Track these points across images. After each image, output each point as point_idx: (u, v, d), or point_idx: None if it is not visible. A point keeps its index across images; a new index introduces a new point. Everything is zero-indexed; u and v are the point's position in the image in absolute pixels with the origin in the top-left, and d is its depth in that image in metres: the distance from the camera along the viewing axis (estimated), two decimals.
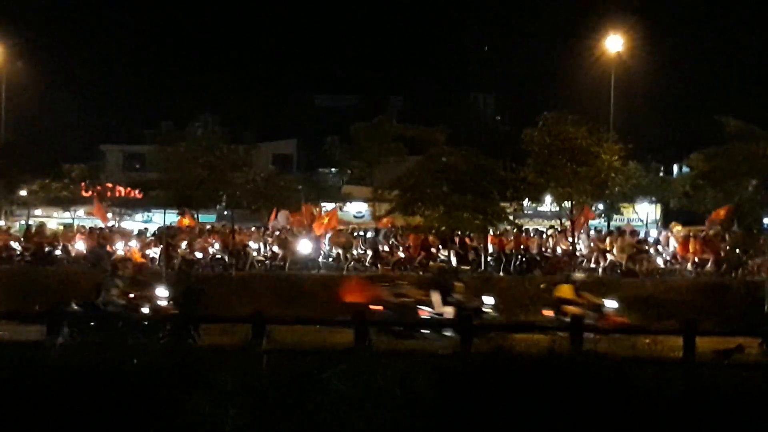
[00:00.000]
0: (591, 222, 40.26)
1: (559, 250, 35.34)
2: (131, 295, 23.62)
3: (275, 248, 35.65)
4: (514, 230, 34.81)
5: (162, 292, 24.17)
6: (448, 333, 21.18)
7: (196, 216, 39.08)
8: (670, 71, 59.26)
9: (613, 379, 10.54)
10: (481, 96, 76.50)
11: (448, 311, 22.92)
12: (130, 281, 24.17)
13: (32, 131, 46.30)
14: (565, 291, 24.32)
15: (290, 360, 12.06)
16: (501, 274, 32.99)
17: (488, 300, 24.26)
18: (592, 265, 33.70)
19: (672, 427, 9.88)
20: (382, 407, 8.40)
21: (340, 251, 35.29)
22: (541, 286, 30.43)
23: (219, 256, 35.16)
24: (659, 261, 34.20)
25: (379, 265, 33.73)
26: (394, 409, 8.42)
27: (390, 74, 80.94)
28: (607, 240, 35.19)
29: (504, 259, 34.23)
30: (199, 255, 35.23)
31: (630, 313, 27.03)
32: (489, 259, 34.07)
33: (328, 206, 45.81)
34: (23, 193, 44.76)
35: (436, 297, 23.22)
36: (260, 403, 8.61)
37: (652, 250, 34.81)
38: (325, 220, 38.04)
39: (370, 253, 35.12)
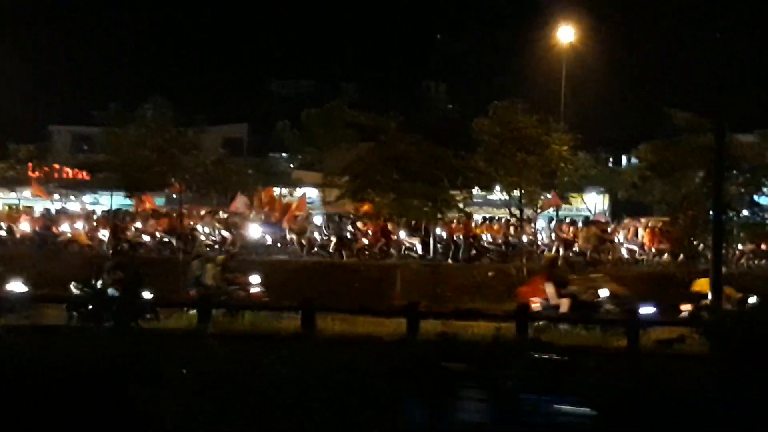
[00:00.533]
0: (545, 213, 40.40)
1: (525, 239, 35.41)
2: (231, 280, 24.06)
3: (224, 232, 35.39)
4: (463, 218, 34.85)
5: (255, 279, 24.41)
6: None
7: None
8: (620, 63, 59.66)
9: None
10: (433, 84, 76.46)
11: (564, 303, 22.27)
12: (223, 267, 24.21)
13: None
14: (702, 285, 23.52)
15: (236, 345, 12.03)
16: (450, 261, 33.07)
17: (603, 293, 23.16)
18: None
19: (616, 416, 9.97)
20: (323, 393, 8.38)
21: (294, 237, 35.05)
22: (489, 274, 30.63)
23: (166, 240, 34.85)
24: (623, 251, 34.46)
25: (342, 252, 33.47)
26: (335, 395, 8.41)
27: (343, 61, 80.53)
28: (570, 230, 35.42)
29: (453, 247, 34.30)
30: (146, 238, 34.92)
31: None
32: (438, 246, 34.12)
33: (294, 192, 45.90)
34: None
35: (550, 289, 22.59)
36: (200, 388, 8.55)
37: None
38: (293, 206, 37.94)
39: (334, 239, 34.78)
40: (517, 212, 34.11)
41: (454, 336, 11.63)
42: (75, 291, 22.62)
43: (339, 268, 31.19)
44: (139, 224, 36.05)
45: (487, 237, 35.90)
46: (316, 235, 35.86)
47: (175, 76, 69.94)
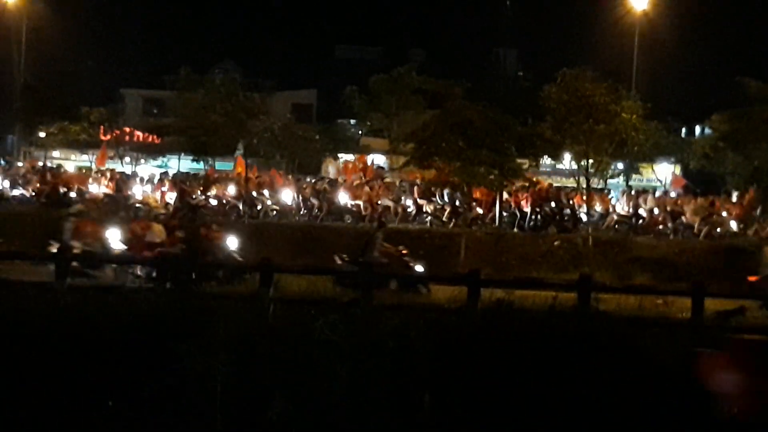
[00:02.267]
0: (610, 182, 39.93)
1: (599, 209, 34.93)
2: (403, 252, 24.00)
3: (312, 199, 35.18)
4: (530, 186, 34.51)
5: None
6: None
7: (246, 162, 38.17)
8: (693, 31, 58.54)
9: (617, 340, 10.48)
10: (503, 51, 75.80)
11: None
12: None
13: (52, 74, 46.20)
14: None
15: (294, 310, 12.03)
16: (515, 230, 32.85)
17: None
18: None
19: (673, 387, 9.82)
20: (373, 359, 8.35)
21: (391, 204, 34.72)
22: (555, 243, 30.36)
23: (233, 204, 35.04)
24: (732, 224, 33.56)
25: (456, 220, 33.17)
26: (386, 362, 8.38)
27: (412, 27, 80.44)
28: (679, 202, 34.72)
29: (518, 215, 34.02)
30: (213, 202, 35.14)
31: (642, 274, 26.97)
32: (504, 215, 33.89)
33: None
34: (42, 135, 44.87)
35: None
36: (251, 352, 8.58)
37: None
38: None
39: (448, 208, 34.45)
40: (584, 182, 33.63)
41: (510, 303, 11.54)
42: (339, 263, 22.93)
43: (404, 234, 31.10)
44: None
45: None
46: (409, 202, 35.31)
47: (245, 42, 70.47)
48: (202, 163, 37.89)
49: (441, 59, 64.88)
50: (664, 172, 49.52)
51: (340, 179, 38.96)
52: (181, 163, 39.47)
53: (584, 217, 33.60)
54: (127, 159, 46.48)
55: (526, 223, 33.38)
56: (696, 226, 31.88)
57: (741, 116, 32.07)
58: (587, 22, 61.19)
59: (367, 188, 35.43)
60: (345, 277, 20.98)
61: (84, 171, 43.75)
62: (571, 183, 38.22)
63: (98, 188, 36.70)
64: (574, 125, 30.97)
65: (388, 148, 44.28)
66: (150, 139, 47.95)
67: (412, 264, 23.53)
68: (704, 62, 59.51)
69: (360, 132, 53.85)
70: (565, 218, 34.18)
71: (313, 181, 38.04)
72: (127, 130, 49.17)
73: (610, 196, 37.29)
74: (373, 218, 31.69)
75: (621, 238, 31.30)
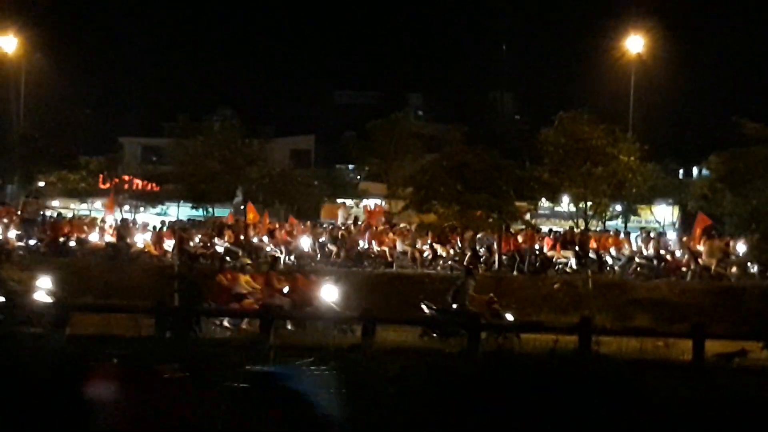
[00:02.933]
0: (609, 224, 39.98)
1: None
2: (494, 300, 23.88)
3: (330, 245, 35.16)
4: (528, 230, 34.54)
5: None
6: None
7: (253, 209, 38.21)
8: (689, 73, 58.84)
9: (618, 382, 10.44)
10: (499, 94, 76.17)
11: None
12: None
13: (50, 123, 46.32)
14: None
15: (294, 356, 12.00)
16: (515, 273, 32.79)
17: None
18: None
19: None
20: (373, 405, 8.32)
21: (409, 249, 34.68)
22: (555, 286, 30.29)
23: (233, 251, 34.97)
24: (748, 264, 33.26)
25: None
26: (386, 408, 8.35)
27: (409, 71, 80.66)
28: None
29: (518, 258, 33.99)
30: (220, 249, 35.05)
31: (642, 315, 26.90)
32: (503, 258, 33.86)
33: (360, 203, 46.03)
34: (41, 184, 44.95)
35: None
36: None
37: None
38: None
39: (468, 253, 34.42)
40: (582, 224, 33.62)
41: (511, 347, 11.52)
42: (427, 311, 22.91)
43: (403, 279, 31.08)
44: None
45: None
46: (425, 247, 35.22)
47: (242, 88, 70.69)
48: (201, 210, 37.96)
49: (438, 103, 65.25)
50: (662, 214, 49.62)
51: (349, 224, 38.98)
52: (181, 211, 39.51)
53: (610, 260, 33.63)
54: (127, 207, 46.51)
55: (525, 266, 33.36)
56: (713, 267, 31.68)
57: (738, 157, 32.14)
58: (583, 65, 61.63)
59: (391, 234, 35.44)
60: (436, 327, 20.98)
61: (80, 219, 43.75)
62: (569, 225, 38.27)
63: (99, 237, 36.63)
64: (572, 168, 31.07)
65: (387, 193, 44.36)
66: (149, 186, 48.03)
67: (502, 312, 23.36)
68: (700, 103, 59.84)
69: (358, 177, 53.98)
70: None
71: (330, 227, 38.00)
72: (126, 178, 49.26)
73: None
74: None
75: (621, 281, 31.25)
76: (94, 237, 36.50)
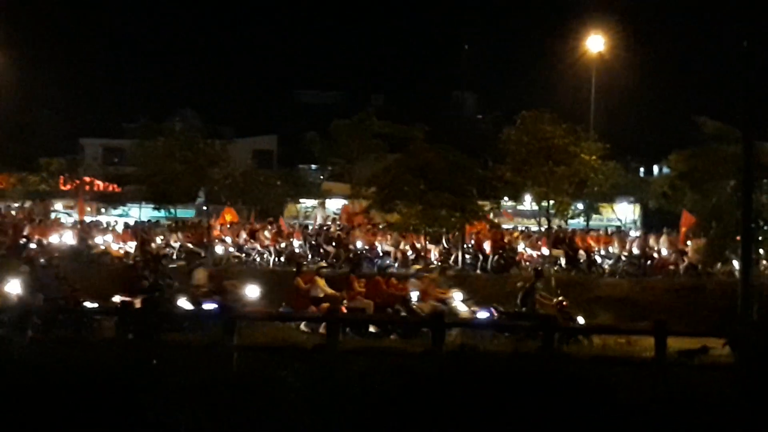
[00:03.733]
0: (571, 222, 40.22)
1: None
2: (564, 303, 23.64)
3: (326, 246, 35.16)
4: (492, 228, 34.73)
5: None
6: None
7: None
8: (650, 72, 59.32)
9: (581, 380, 10.48)
10: (461, 94, 76.40)
11: None
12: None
13: (10, 125, 45.93)
14: None
15: (258, 358, 11.97)
16: (478, 272, 32.91)
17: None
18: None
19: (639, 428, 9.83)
20: (339, 406, 8.30)
21: (391, 249, 34.70)
22: (518, 284, 30.40)
23: (195, 251, 34.86)
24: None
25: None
26: (352, 409, 8.33)
27: (371, 71, 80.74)
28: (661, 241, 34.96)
29: (481, 257, 34.15)
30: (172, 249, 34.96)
31: (605, 313, 27.05)
32: (467, 256, 33.98)
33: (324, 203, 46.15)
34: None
35: None
36: (218, 402, 8.50)
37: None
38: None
39: (454, 252, 34.53)
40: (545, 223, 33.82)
41: (474, 346, 11.52)
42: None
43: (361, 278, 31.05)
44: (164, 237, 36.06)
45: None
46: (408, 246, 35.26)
47: (204, 89, 70.36)
48: (163, 211, 37.70)
49: (400, 103, 65.25)
50: (623, 212, 49.95)
51: (332, 224, 39.09)
52: (143, 212, 39.25)
53: (599, 259, 33.91)
54: (88, 209, 46.20)
55: (489, 264, 33.48)
56: (700, 265, 32.08)
57: (698, 155, 32.31)
58: (544, 65, 61.88)
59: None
60: (505, 330, 20.86)
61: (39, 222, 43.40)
62: (532, 224, 38.49)
63: (59, 238, 36.38)
64: (534, 167, 31.20)
65: (350, 193, 44.34)
66: (110, 188, 47.74)
67: (572, 315, 23.22)
68: (661, 102, 60.24)
69: (321, 177, 53.92)
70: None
71: (326, 228, 37.86)
72: (87, 179, 48.92)
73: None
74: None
75: (583, 278, 31.45)
76: (55, 239, 36.26)
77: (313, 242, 35.79)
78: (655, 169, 55.71)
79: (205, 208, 38.88)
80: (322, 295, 23.42)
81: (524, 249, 35.47)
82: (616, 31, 48.00)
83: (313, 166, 56.15)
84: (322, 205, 44.99)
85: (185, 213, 42.84)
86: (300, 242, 36.03)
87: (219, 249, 35.08)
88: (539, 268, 26.99)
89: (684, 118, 36.23)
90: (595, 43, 46.03)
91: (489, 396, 9.62)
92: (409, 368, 10.58)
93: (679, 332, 18.79)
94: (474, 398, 9.55)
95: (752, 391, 10.20)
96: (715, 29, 52.41)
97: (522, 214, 46.19)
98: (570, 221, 38.61)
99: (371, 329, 21.31)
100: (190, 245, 35.21)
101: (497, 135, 33.38)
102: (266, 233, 36.59)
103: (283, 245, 35.34)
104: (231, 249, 35.21)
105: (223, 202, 37.20)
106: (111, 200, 47.71)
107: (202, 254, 34.20)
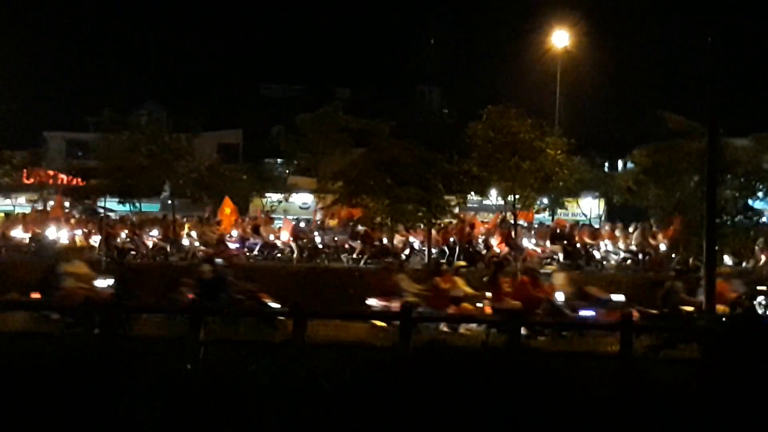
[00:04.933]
0: (537, 216, 40.46)
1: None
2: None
3: (351, 242, 35.03)
4: (457, 222, 34.84)
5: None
6: None
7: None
8: (615, 67, 59.65)
9: (546, 374, 10.55)
10: (427, 88, 76.46)
11: None
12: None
13: None
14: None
15: (225, 352, 11.95)
16: (444, 267, 32.91)
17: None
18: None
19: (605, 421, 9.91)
20: (305, 401, 8.30)
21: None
22: (484, 279, 30.48)
23: (161, 246, 34.73)
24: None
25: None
26: (318, 403, 8.34)
27: (337, 65, 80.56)
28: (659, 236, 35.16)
29: (447, 252, 34.23)
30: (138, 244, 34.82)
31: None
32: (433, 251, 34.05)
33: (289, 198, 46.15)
34: None
35: None
36: (184, 396, 8.48)
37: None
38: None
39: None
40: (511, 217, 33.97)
41: (443, 340, 11.57)
42: None
43: (333, 273, 31.09)
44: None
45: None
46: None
47: (169, 82, 70.04)
48: (128, 205, 37.47)
49: (366, 97, 65.21)
50: (588, 206, 50.18)
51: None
52: (107, 206, 38.93)
53: (597, 255, 34.10)
54: (51, 202, 45.78)
55: (455, 259, 33.53)
56: (691, 261, 32.19)
57: (662, 150, 32.50)
58: (510, 60, 62.25)
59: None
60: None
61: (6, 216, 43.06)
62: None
63: (22, 233, 36.13)
64: (500, 162, 31.31)
65: (316, 187, 44.26)
66: (75, 181, 47.33)
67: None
68: (625, 97, 60.57)
69: (287, 171, 53.78)
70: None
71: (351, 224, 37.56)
72: (51, 173, 48.50)
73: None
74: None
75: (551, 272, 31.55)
76: (17, 233, 36.01)
77: (336, 238, 35.68)
78: (620, 164, 56.11)
79: (170, 202, 38.60)
80: (462, 294, 23.08)
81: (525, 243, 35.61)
82: (581, 26, 48.29)
83: (279, 160, 55.98)
84: (322, 198, 44.63)
85: (150, 207, 42.61)
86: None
87: (185, 242, 35.00)
88: (681, 268, 26.75)
89: (648, 113, 36.48)
90: (561, 38, 46.25)
91: (455, 389, 9.67)
92: (376, 362, 10.61)
93: (644, 327, 18.98)
94: (440, 391, 9.59)
95: (715, 384, 10.33)
96: (680, 24, 52.72)
97: (488, 209, 46.31)
98: (536, 216, 38.91)
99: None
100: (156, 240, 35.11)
101: (463, 130, 33.45)
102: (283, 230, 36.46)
103: (304, 241, 35.15)
104: (196, 243, 35.00)
105: (188, 197, 37.01)
106: (75, 194, 47.32)
107: (168, 249, 34.08)
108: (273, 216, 41.68)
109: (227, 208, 38.27)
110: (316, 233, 36.34)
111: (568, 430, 9.59)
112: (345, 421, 8.43)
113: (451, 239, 34.82)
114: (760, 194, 32.92)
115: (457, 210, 34.29)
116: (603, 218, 48.80)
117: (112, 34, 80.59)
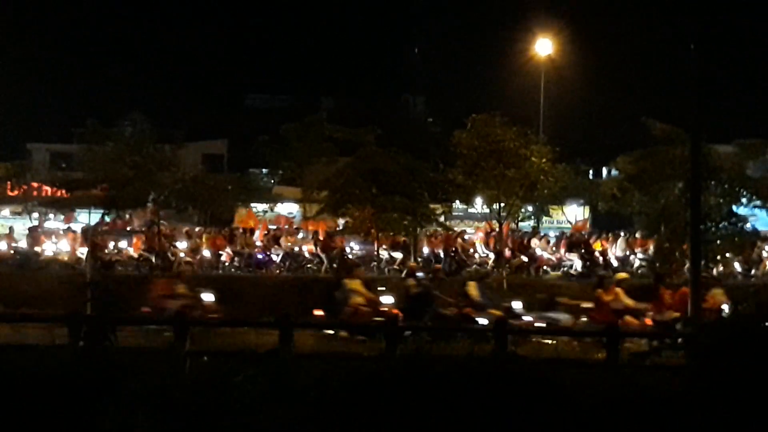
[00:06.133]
0: (522, 225, 40.57)
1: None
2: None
3: (392, 252, 35.21)
4: (444, 231, 34.92)
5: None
6: None
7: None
8: (598, 74, 59.81)
9: (536, 382, 10.55)
10: (412, 98, 76.53)
11: None
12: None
13: None
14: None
15: (212, 363, 11.90)
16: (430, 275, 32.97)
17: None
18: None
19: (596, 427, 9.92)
20: (294, 411, 8.28)
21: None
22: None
23: (145, 258, 34.64)
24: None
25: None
26: (307, 413, 8.31)
27: (321, 75, 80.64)
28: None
29: (433, 261, 34.32)
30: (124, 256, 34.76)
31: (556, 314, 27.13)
32: (419, 260, 34.09)
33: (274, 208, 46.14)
34: None
35: None
36: (171, 408, 8.43)
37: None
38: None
39: (492, 255, 34.71)
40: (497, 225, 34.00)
41: (429, 350, 11.55)
42: None
43: (320, 283, 31.07)
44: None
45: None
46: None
47: (153, 93, 69.79)
48: (112, 216, 37.37)
49: (351, 106, 65.26)
50: (573, 214, 50.33)
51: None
52: (92, 217, 38.79)
53: (615, 263, 34.21)
54: (35, 214, 45.61)
55: (442, 266, 33.58)
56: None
57: (646, 157, 32.57)
58: (494, 68, 62.24)
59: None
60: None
61: None
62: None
63: (5, 245, 36.00)
64: (485, 170, 31.37)
65: (301, 197, 44.25)
66: (59, 193, 47.16)
67: None
68: (609, 105, 60.70)
69: (272, 181, 53.75)
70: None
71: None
72: (35, 185, 48.32)
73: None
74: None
75: (535, 280, 31.64)
76: (1, 246, 35.88)
77: (364, 249, 35.83)
78: (604, 171, 56.18)
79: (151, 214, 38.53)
80: (622, 307, 22.91)
81: (540, 251, 35.74)
82: (564, 34, 48.43)
83: (264, 170, 55.96)
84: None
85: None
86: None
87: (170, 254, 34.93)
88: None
89: (632, 120, 36.49)
90: (544, 46, 46.38)
91: (442, 398, 9.66)
92: (363, 372, 10.60)
93: (630, 333, 19.06)
94: (426, 400, 9.58)
95: (701, 391, 10.35)
96: (663, 32, 52.89)
97: (473, 217, 46.39)
98: (521, 224, 38.98)
99: None
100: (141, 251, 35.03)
101: (447, 138, 33.51)
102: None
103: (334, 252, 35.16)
104: (181, 255, 34.90)
105: (173, 207, 36.90)
106: (59, 206, 47.16)
107: (153, 260, 33.98)
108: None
109: (250, 219, 38.47)
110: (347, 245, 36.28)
111: None
112: (332, 430, 8.40)
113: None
114: (744, 200, 33.03)
115: (442, 219, 34.31)
116: (588, 226, 48.90)
117: (96, 45, 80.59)
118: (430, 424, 9.26)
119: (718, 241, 30.05)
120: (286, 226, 41.84)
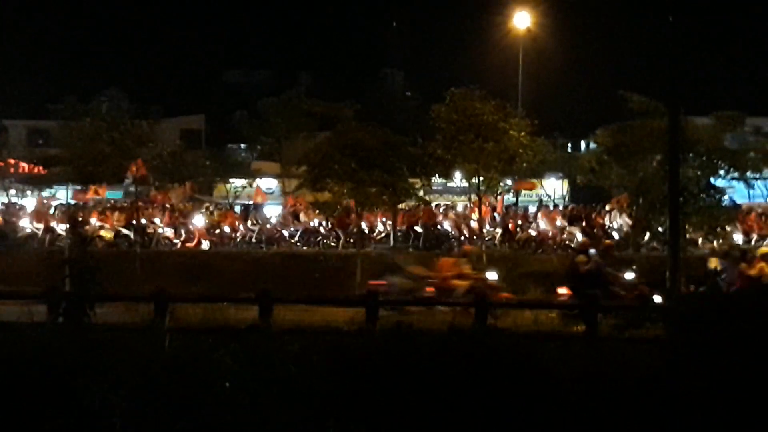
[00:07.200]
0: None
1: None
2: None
3: (416, 228, 35.38)
4: (423, 205, 34.89)
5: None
6: None
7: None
8: (577, 47, 59.82)
9: (516, 355, 10.57)
10: (390, 72, 76.31)
11: None
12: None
13: None
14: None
15: (191, 339, 11.86)
16: (410, 249, 33.07)
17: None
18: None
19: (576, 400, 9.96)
20: (274, 386, 8.27)
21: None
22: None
23: (124, 233, 34.48)
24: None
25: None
26: (287, 389, 8.31)
27: (299, 49, 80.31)
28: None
29: (413, 235, 34.37)
30: (104, 232, 34.53)
31: (535, 288, 27.26)
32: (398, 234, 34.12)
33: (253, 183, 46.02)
34: None
35: None
36: (151, 384, 8.40)
37: None
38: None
39: (499, 230, 34.67)
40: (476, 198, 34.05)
41: (410, 325, 11.54)
42: None
43: (299, 258, 31.11)
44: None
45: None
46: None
47: (130, 68, 69.40)
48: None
49: (329, 81, 65.10)
50: (552, 187, 50.43)
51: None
52: (70, 194, 38.66)
53: (616, 235, 34.32)
54: (12, 191, 45.39)
55: (421, 242, 33.64)
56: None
57: (624, 130, 32.67)
58: (473, 42, 62.19)
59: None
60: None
61: None
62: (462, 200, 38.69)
63: None
64: (464, 144, 31.33)
65: (280, 172, 44.17)
66: (36, 170, 46.91)
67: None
68: (588, 78, 60.77)
69: (251, 156, 53.63)
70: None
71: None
72: (12, 161, 48.05)
73: None
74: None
75: (513, 254, 31.71)
76: None
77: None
78: (583, 144, 56.36)
79: (132, 189, 38.39)
80: None
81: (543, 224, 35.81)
82: (543, 7, 48.34)
83: (242, 146, 55.83)
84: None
85: (113, 194, 42.28)
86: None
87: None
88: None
89: (610, 93, 36.57)
90: (522, 19, 46.29)
91: (422, 371, 9.67)
92: (343, 346, 10.61)
93: (608, 307, 19.12)
94: (407, 374, 9.59)
95: (680, 363, 10.40)
96: (641, 4, 52.93)
97: (452, 191, 46.42)
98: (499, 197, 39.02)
99: None
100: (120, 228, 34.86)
101: (426, 112, 33.47)
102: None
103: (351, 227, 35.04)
104: (160, 230, 34.73)
105: (151, 183, 36.81)
106: (36, 182, 46.95)
107: (132, 236, 33.84)
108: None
109: (258, 196, 38.42)
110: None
111: (536, 409, 9.62)
112: (312, 404, 8.40)
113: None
114: (722, 172, 33.20)
115: (421, 193, 34.28)
116: (567, 199, 49.07)
117: (72, 20, 79.78)
118: (410, 399, 9.27)
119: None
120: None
